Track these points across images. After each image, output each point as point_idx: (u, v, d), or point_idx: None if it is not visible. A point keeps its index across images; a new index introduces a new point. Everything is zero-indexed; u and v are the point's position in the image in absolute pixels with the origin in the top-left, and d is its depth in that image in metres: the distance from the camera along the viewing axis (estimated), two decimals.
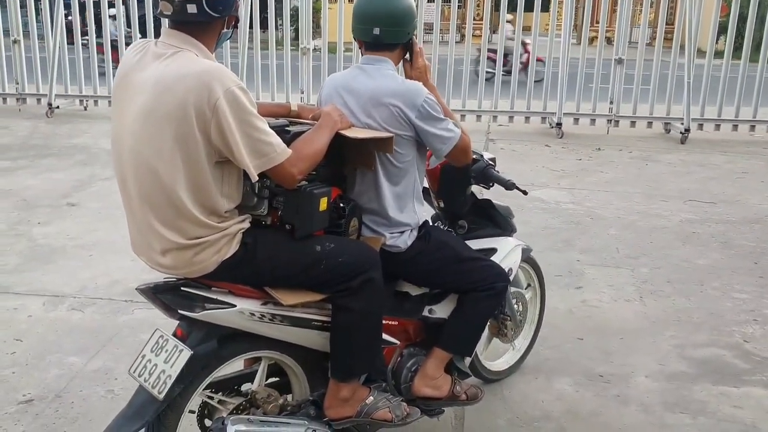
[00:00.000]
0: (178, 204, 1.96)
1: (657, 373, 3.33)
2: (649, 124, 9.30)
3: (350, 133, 2.23)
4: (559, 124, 8.86)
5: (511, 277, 2.80)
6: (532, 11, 9.25)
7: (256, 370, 2.38)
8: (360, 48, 2.48)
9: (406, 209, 2.46)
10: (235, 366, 2.36)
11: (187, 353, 2.07)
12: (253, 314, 2.15)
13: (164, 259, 2.04)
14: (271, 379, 2.45)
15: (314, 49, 9.55)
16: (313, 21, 9.70)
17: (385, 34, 2.37)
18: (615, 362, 3.42)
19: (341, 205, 2.26)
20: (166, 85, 1.90)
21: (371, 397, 2.34)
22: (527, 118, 9.41)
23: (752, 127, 9.15)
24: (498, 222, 2.87)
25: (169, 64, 1.93)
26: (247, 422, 2.17)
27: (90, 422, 2.86)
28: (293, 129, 2.16)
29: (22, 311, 3.79)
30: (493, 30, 15.84)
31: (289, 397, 2.44)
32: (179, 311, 2.09)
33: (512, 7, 9.40)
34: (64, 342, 3.48)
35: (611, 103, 9.19)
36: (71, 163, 6.99)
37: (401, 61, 2.51)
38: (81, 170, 6.72)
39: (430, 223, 2.68)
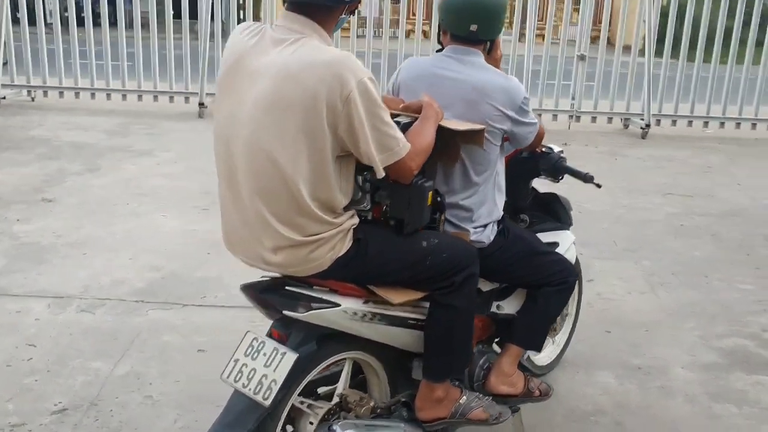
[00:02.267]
0: (299, 199, 1.84)
1: (691, 364, 3.38)
2: (609, 120, 9.51)
3: (450, 124, 2.15)
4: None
5: None
6: None
7: (335, 373, 2.29)
8: (442, 36, 2.41)
9: (487, 203, 2.40)
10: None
11: (292, 356, 1.96)
12: (355, 314, 2.06)
13: (275, 256, 1.92)
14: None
15: None
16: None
17: (482, 31, 2.31)
18: (647, 354, 3.45)
19: (438, 199, 2.18)
20: (291, 74, 1.79)
21: (464, 397, 2.28)
22: None
23: (705, 124, 9.47)
24: (559, 215, 2.85)
25: (293, 51, 1.82)
26: (354, 427, 2.07)
27: (135, 431, 2.69)
28: (402, 120, 2.07)
29: (27, 314, 3.54)
30: None
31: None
32: (284, 312, 1.98)
33: None
34: (82, 346, 3.27)
35: (573, 99, 9.36)
36: (34, 157, 6.59)
37: None
38: (47, 164, 6.36)
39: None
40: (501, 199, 2.47)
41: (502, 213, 2.47)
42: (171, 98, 9.15)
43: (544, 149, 2.67)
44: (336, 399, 2.21)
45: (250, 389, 1.96)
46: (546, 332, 2.63)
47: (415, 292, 2.13)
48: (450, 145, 2.29)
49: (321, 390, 2.31)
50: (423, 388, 2.23)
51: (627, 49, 9.39)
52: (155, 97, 9.18)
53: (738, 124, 9.38)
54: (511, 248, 2.46)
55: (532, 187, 2.81)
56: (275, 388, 1.93)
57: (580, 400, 3.04)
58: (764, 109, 9.46)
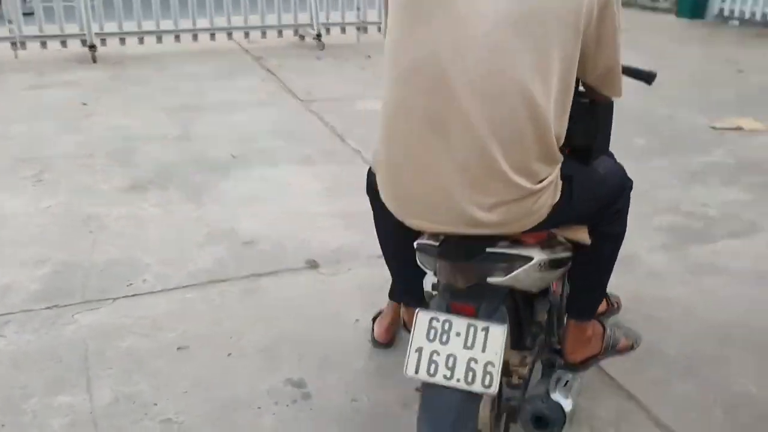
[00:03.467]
0: (547, 139, 1.46)
1: (653, 248, 3.48)
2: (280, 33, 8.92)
3: None
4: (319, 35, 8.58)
5: None
6: None
7: None
8: None
9: None
10: None
11: (499, 329, 1.64)
12: (540, 265, 1.76)
13: (489, 215, 1.51)
14: None
15: None
16: None
17: None
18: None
19: None
20: None
21: (608, 329, 2.12)
22: (280, 32, 8.93)
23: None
24: None
25: None
26: (564, 391, 1.81)
27: None
28: None
29: None
30: None
31: None
32: (488, 279, 1.62)
33: None
34: (25, 380, 2.48)
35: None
36: None
37: None
38: None
39: None
40: None
41: None
42: None
43: None
44: None
45: (458, 380, 1.60)
46: None
47: (583, 226, 1.87)
48: None
49: None
50: (572, 330, 2.02)
51: None
52: None
53: None
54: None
55: None
56: (495, 371, 1.60)
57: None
58: None
